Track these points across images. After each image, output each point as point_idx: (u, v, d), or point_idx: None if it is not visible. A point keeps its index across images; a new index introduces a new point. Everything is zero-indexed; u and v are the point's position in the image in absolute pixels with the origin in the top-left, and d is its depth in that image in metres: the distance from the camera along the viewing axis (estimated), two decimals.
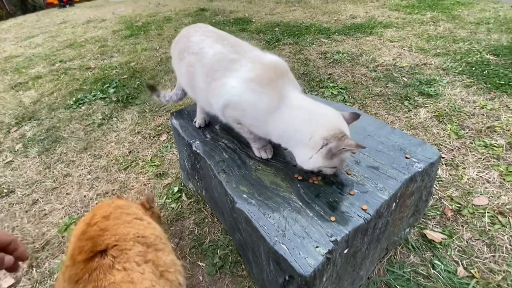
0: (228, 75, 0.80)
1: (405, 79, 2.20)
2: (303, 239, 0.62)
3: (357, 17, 3.79)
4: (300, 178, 0.79)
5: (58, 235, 1.31)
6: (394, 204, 0.76)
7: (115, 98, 2.39)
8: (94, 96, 2.46)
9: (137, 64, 3.06)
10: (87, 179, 1.61)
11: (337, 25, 3.52)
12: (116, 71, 2.94)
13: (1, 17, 7.80)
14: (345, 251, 0.67)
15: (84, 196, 1.50)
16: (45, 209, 1.46)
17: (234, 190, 0.78)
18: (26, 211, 1.46)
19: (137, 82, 2.64)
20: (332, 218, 0.66)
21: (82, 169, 1.69)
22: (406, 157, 0.82)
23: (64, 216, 1.41)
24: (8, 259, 0.39)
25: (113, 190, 1.52)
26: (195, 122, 1.14)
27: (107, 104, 2.34)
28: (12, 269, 0.40)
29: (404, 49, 2.71)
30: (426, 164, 0.79)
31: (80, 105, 2.37)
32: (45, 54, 3.82)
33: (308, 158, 0.70)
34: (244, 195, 0.76)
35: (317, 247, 0.60)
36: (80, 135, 2.00)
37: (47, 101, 2.53)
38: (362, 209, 0.68)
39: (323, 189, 0.76)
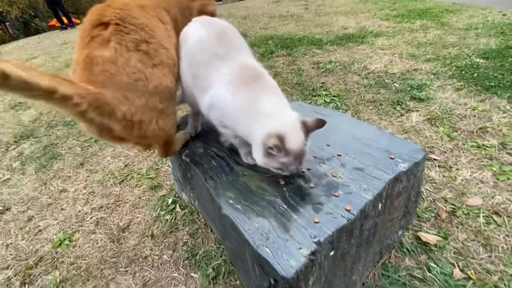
0: (209, 73, 0.82)
1: (397, 85, 2.24)
2: (286, 241, 0.62)
3: (349, 27, 3.89)
4: (282, 182, 0.80)
5: (51, 250, 1.30)
6: (380, 204, 0.76)
7: None
8: None
9: None
10: (83, 194, 1.62)
11: (329, 36, 3.61)
12: None
13: (4, 41, 8.05)
14: (331, 253, 0.66)
15: (79, 211, 1.51)
16: (39, 225, 1.46)
17: (220, 196, 0.79)
18: (21, 228, 1.46)
19: None
20: (316, 220, 0.66)
21: (78, 184, 1.70)
22: (391, 158, 0.83)
23: (59, 232, 1.40)
24: None
25: (108, 204, 1.52)
26: (186, 130, 1.15)
27: None
28: None
29: (395, 56, 2.76)
30: (411, 164, 0.80)
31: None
32: None
33: (255, 155, 0.77)
34: (230, 201, 0.76)
35: (300, 248, 0.60)
36: (77, 151, 2.02)
37: (46, 119, 2.57)
38: (346, 209, 0.68)
39: (308, 191, 0.76)
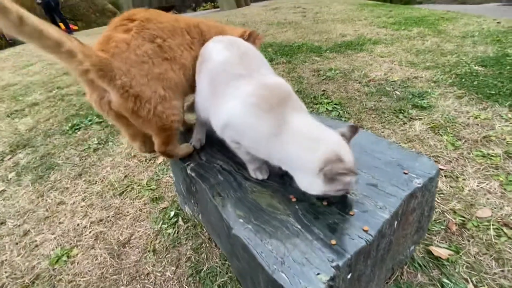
0: (230, 93, 0.79)
1: (398, 93, 2.24)
2: (303, 266, 0.59)
3: (347, 35, 3.92)
4: (294, 199, 0.77)
5: (49, 267, 1.25)
6: (396, 222, 0.74)
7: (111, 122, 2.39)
8: (90, 121, 2.46)
9: None
10: (81, 206, 1.57)
11: (328, 44, 3.63)
12: None
13: (0, 47, 7.99)
14: (349, 276, 0.63)
15: (78, 225, 1.46)
16: (36, 240, 1.41)
17: (229, 214, 0.76)
18: (17, 243, 1.40)
19: None
20: (333, 241, 0.63)
21: (76, 196, 1.66)
22: (405, 173, 0.81)
23: (56, 247, 1.35)
24: None
25: (108, 216, 1.47)
26: (191, 143, 1.12)
27: (103, 128, 2.33)
28: None
29: (394, 64, 2.77)
30: (425, 179, 0.78)
31: (76, 131, 2.36)
32: (43, 81, 3.87)
33: (309, 184, 0.70)
34: (240, 220, 0.73)
35: (318, 274, 0.57)
36: (75, 161, 1.97)
37: (43, 127, 2.52)
38: (363, 230, 0.66)
39: (322, 210, 0.73)
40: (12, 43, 8.16)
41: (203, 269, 1.14)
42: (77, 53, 0.72)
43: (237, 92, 0.77)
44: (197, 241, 1.25)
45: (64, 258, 1.29)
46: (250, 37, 1.17)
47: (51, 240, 1.39)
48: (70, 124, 2.44)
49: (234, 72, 0.81)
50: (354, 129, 0.73)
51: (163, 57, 0.91)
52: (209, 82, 0.86)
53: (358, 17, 5.00)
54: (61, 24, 8.33)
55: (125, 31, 0.88)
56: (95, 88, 0.84)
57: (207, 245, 1.22)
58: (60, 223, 1.49)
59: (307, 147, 0.69)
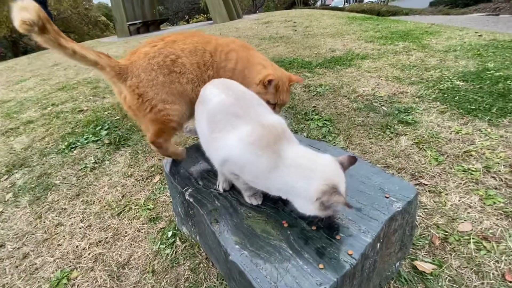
0: (228, 130, 0.85)
1: (385, 108, 2.35)
2: None
3: (336, 50, 4.07)
4: (286, 225, 0.84)
5: None
6: (378, 244, 0.80)
7: (108, 140, 2.43)
8: (86, 139, 2.50)
9: None
10: (80, 228, 1.60)
11: (318, 59, 3.76)
12: (108, 113, 3.02)
13: None
14: None
15: (77, 247, 1.49)
16: (36, 263, 1.43)
17: (226, 241, 0.81)
18: (17, 266, 1.42)
19: (129, 123, 2.70)
20: (321, 266, 0.70)
21: (74, 217, 1.69)
22: (386, 197, 0.89)
23: (56, 270, 1.38)
24: None
25: (106, 237, 1.51)
26: (218, 185, 1.08)
27: (100, 147, 2.37)
28: None
29: (381, 79, 2.90)
30: (405, 203, 0.86)
31: (72, 149, 2.40)
32: (37, 97, 3.89)
33: (306, 208, 0.77)
34: (237, 246, 0.79)
35: None
36: (72, 181, 2.01)
37: (39, 146, 2.55)
38: (348, 254, 0.72)
39: (311, 235, 0.80)
40: (3, 55, 8.15)
41: None
42: (106, 67, 1.08)
43: (236, 131, 0.83)
44: (195, 261, 1.30)
45: (64, 281, 1.32)
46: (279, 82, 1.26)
47: (50, 262, 1.42)
48: (66, 143, 2.47)
49: (231, 111, 0.87)
50: (353, 160, 0.80)
51: (171, 69, 1.15)
52: (208, 122, 0.93)
53: (347, 31, 5.19)
54: None
55: (151, 47, 1.17)
56: (118, 87, 1.16)
57: (205, 265, 1.27)
58: (59, 245, 1.52)
59: (303, 177, 0.75)
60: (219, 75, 1.26)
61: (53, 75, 5.05)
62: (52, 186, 1.98)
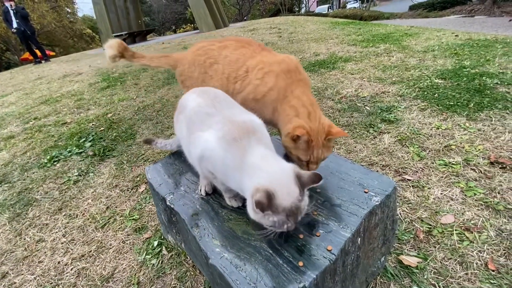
0: (203, 129, 0.87)
1: (368, 108, 2.39)
2: None
3: (320, 54, 4.15)
4: None
5: None
6: (359, 239, 0.81)
7: (92, 152, 2.38)
8: (69, 152, 2.44)
9: (114, 115, 3.11)
10: (62, 243, 1.55)
11: (303, 63, 3.82)
12: (92, 124, 2.97)
13: None
14: None
15: (58, 262, 1.43)
16: (15, 282, 1.37)
17: (207, 244, 0.80)
18: None
19: (114, 134, 2.66)
20: (300, 263, 0.69)
21: (56, 232, 1.63)
22: (365, 192, 0.89)
23: None
24: None
25: (90, 251, 1.46)
26: (200, 189, 1.07)
27: (83, 159, 2.32)
28: None
29: (364, 80, 2.97)
30: (383, 197, 0.87)
31: (55, 163, 2.33)
32: (19, 112, 3.80)
33: (249, 211, 0.74)
34: (217, 249, 0.78)
35: None
36: (55, 195, 1.95)
37: (20, 161, 2.47)
38: (327, 250, 0.72)
39: (291, 233, 0.80)
40: None
41: None
42: (165, 65, 1.44)
43: (210, 129, 0.85)
44: (182, 269, 1.27)
45: None
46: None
47: (31, 281, 1.36)
48: (48, 157, 2.41)
49: (206, 111, 0.89)
50: (316, 178, 0.71)
51: (206, 71, 1.27)
52: (186, 125, 0.93)
53: (330, 36, 5.31)
54: (37, 51, 8.24)
55: (204, 44, 1.33)
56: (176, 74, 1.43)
57: (192, 273, 1.24)
58: (40, 262, 1.46)
59: (251, 175, 0.74)
60: (246, 91, 1.16)
61: (36, 88, 4.95)
62: (33, 202, 1.92)
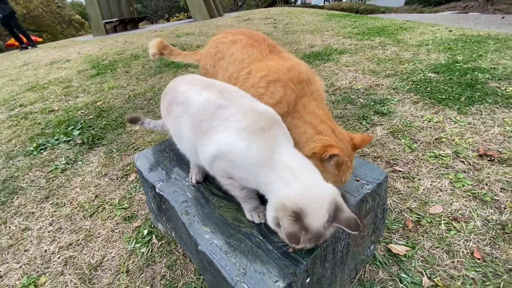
0: (215, 125, 0.75)
1: (361, 100, 2.39)
2: (263, 275, 0.64)
3: (315, 45, 4.11)
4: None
5: None
6: None
7: (80, 140, 2.32)
8: (57, 140, 2.37)
9: (103, 103, 3.03)
10: (49, 231, 1.51)
11: (297, 55, 3.79)
12: (81, 112, 2.88)
13: None
14: (307, 280, 0.69)
15: (45, 251, 1.40)
16: (0, 271, 1.33)
17: (196, 231, 0.79)
18: None
19: (104, 122, 2.60)
20: (291, 250, 0.69)
21: (43, 220, 1.59)
22: (357, 180, 0.89)
23: (22, 276, 1.29)
24: None
25: (77, 240, 1.43)
26: (190, 177, 1.03)
27: (71, 147, 2.26)
28: None
29: (358, 73, 2.96)
30: (374, 185, 0.86)
31: (42, 151, 2.27)
32: (4, 99, 3.66)
33: (268, 214, 0.68)
34: (207, 236, 0.77)
35: (276, 281, 0.62)
36: (41, 183, 1.89)
37: (5, 149, 2.39)
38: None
39: None
40: None
41: (178, 285, 1.15)
42: (191, 59, 1.47)
43: (225, 122, 0.74)
44: (172, 258, 1.26)
45: (31, 287, 1.24)
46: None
47: (16, 269, 1.33)
48: (35, 144, 2.34)
49: (216, 104, 0.78)
50: (354, 227, 0.62)
51: (215, 64, 1.24)
52: (192, 123, 0.82)
53: (326, 28, 5.27)
54: (22, 37, 7.93)
55: (220, 36, 1.30)
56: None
57: (182, 261, 1.23)
58: (26, 250, 1.43)
59: (284, 179, 0.65)
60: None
61: (22, 75, 4.77)
62: (19, 190, 1.86)
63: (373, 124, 2.05)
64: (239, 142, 0.70)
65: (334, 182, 0.77)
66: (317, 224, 0.61)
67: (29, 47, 7.97)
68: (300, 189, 0.63)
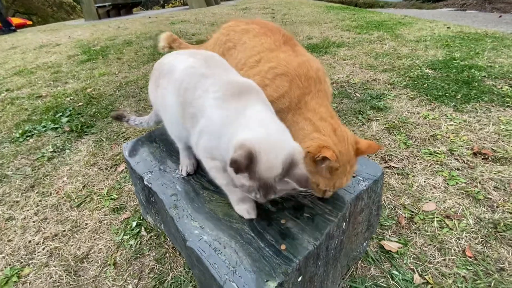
0: (199, 97, 0.74)
1: (358, 95, 2.36)
2: (254, 274, 0.61)
3: (313, 37, 4.04)
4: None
5: None
6: (344, 223, 0.78)
7: (68, 128, 2.24)
8: (44, 127, 2.29)
9: (94, 90, 2.93)
10: (33, 221, 1.46)
11: None
12: (70, 99, 2.79)
13: None
14: (299, 279, 0.66)
15: (29, 241, 1.35)
16: None
17: (185, 226, 0.75)
18: None
19: (94, 110, 2.52)
20: (283, 247, 0.66)
21: (28, 210, 1.54)
22: (353, 176, 0.87)
23: (5, 267, 1.25)
24: None
25: (63, 231, 1.39)
26: (181, 169, 0.99)
27: (59, 135, 2.18)
28: None
29: (355, 67, 2.92)
30: (370, 182, 0.84)
31: (28, 138, 2.18)
32: None
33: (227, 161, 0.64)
34: (196, 231, 0.73)
35: (267, 281, 0.59)
36: (27, 171, 1.83)
37: None
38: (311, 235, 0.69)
39: (276, 216, 0.76)
40: None
41: (166, 279, 1.12)
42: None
43: (205, 93, 0.73)
44: (161, 251, 1.23)
45: (14, 278, 1.19)
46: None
47: None
48: (21, 131, 2.25)
49: (200, 72, 0.77)
50: (304, 184, 0.61)
51: (224, 53, 1.17)
52: (176, 92, 0.80)
53: (324, 20, 5.18)
54: (10, 19, 7.59)
55: (230, 24, 1.23)
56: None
57: (171, 254, 1.21)
58: (9, 240, 1.38)
59: (246, 127, 0.64)
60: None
61: (9, 58, 4.58)
62: (3, 178, 1.79)
63: (369, 119, 2.03)
64: (214, 113, 0.70)
65: (325, 185, 0.74)
66: (268, 173, 0.60)
67: (6, 30, 7.56)
68: (262, 134, 0.63)
